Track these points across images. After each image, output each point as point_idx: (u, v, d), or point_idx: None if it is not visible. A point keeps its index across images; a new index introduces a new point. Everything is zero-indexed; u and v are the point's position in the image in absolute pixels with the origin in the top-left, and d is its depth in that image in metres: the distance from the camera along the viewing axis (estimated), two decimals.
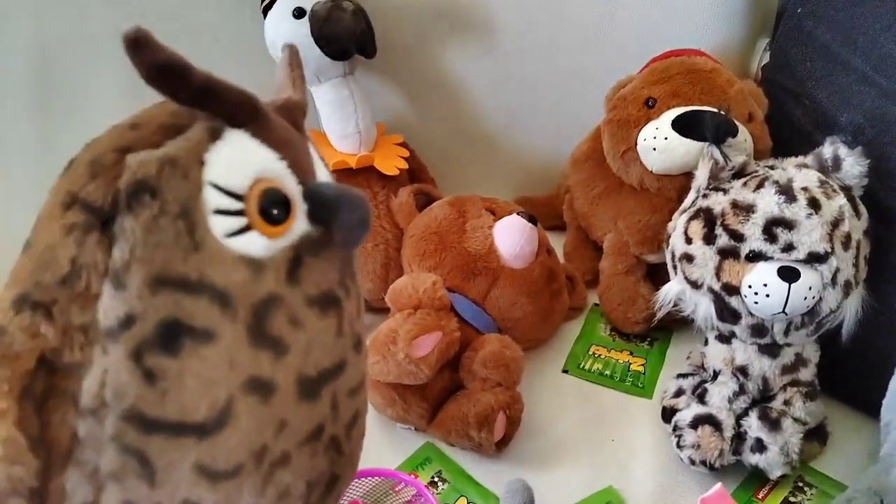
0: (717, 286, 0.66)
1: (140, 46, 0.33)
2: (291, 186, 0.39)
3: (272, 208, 0.37)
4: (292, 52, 0.48)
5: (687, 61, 0.80)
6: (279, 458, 0.40)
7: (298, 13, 0.82)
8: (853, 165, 0.66)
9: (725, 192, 0.67)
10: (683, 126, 0.74)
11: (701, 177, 0.69)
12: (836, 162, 0.66)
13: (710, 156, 0.68)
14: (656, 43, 0.88)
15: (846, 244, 0.63)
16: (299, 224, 0.39)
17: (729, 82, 0.78)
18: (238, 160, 0.37)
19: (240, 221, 0.36)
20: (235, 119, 0.38)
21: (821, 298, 0.63)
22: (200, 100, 0.36)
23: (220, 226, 0.36)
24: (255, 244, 0.37)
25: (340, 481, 0.46)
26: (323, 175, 0.43)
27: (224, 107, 0.37)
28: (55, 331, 0.35)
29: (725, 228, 0.65)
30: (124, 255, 0.35)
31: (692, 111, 0.74)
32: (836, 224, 0.63)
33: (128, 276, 0.35)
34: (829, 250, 0.62)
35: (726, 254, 0.65)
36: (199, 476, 0.37)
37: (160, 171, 0.35)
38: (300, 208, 0.39)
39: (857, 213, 0.65)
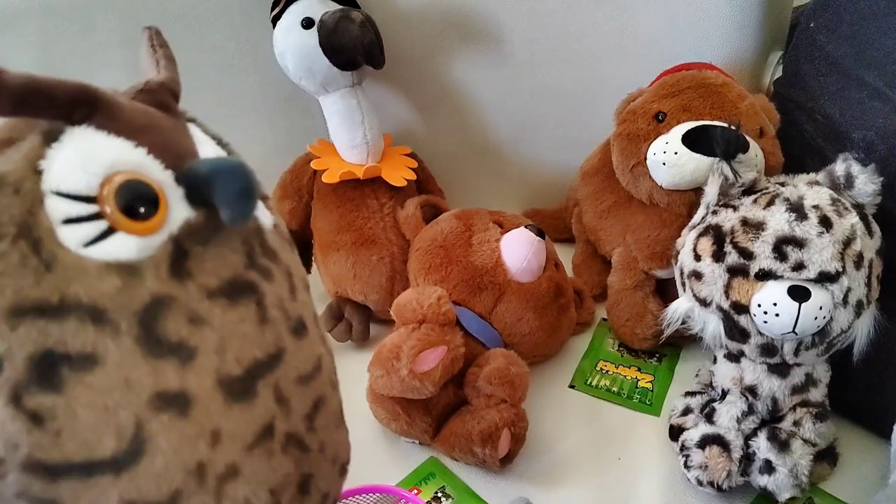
0: (725, 304, 0.65)
1: None
2: (156, 173, 0.35)
3: (134, 203, 0.33)
4: (151, 33, 0.44)
5: (698, 75, 0.79)
6: (225, 471, 0.36)
7: (307, 23, 0.81)
8: (866, 183, 0.65)
9: (735, 208, 0.66)
10: (694, 141, 0.73)
11: (711, 193, 0.68)
12: (849, 179, 0.65)
13: (720, 172, 0.67)
14: (667, 56, 0.87)
15: (858, 263, 0.62)
16: (177, 212, 0.35)
17: (740, 97, 0.78)
18: (80, 158, 0.33)
19: (97, 226, 0.33)
20: (73, 116, 0.34)
21: (831, 318, 0.62)
22: (23, 106, 0.32)
23: (73, 236, 0.32)
24: (124, 247, 0.33)
25: (315, 479, 0.42)
26: (210, 153, 0.39)
27: (54, 106, 0.33)
28: None
29: (735, 246, 0.64)
30: None
31: (703, 126, 0.73)
32: (847, 243, 0.62)
33: None
34: (841, 270, 0.61)
35: (735, 272, 0.64)
36: None
37: None
38: (174, 194, 0.35)
39: (870, 232, 0.64)
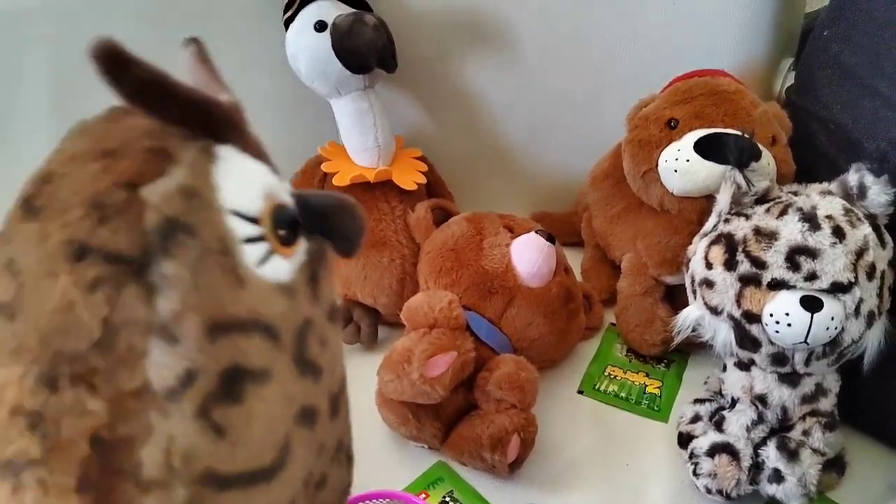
0: (737, 313, 0.65)
1: (116, 62, 0.29)
2: (287, 199, 0.36)
3: (284, 227, 0.35)
4: (199, 46, 0.42)
5: (711, 82, 0.79)
6: (319, 480, 0.39)
7: (320, 26, 0.82)
8: (879, 194, 0.65)
9: (748, 217, 0.66)
10: (706, 148, 0.73)
11: (723, 201, 0.68)
12: (862, 190, 0.65)
13: (732, 180, 0.68)
14: (679, 62, 0.87)
15: (870, 274, 0.62)
16: (303, 239, 0.37)
17: (753, 104, 0.78)
18: (245, 180, 0.34)
19: (264, 247, 0.34)
20: (221, 134, 0.34)
21: (843, 329, 0.62)
22: (190, 116, 0.33)
23: (251, 255, 0.33)
24: (282, 268, 0.35)
25: (350, 483, 0.46)
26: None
27: (212, 121, 0.34)
28: (105, 403, 0.30)
29: (747, 255, 0.64)
30: (174, 305, 0.31)
31: (715, 133, 0.73)
32: (860, 254, 0.62)
33: (181, 328, 0.31)
34: (853, 280, 0.61)
35: (747, 281, 0.64)
36: None
37: (187, 205, 0.32)
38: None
39: (882, 243, 0.64)
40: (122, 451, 0.30)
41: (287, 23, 0.85)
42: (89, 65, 0.91)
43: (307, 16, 0.83)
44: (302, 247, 0.37)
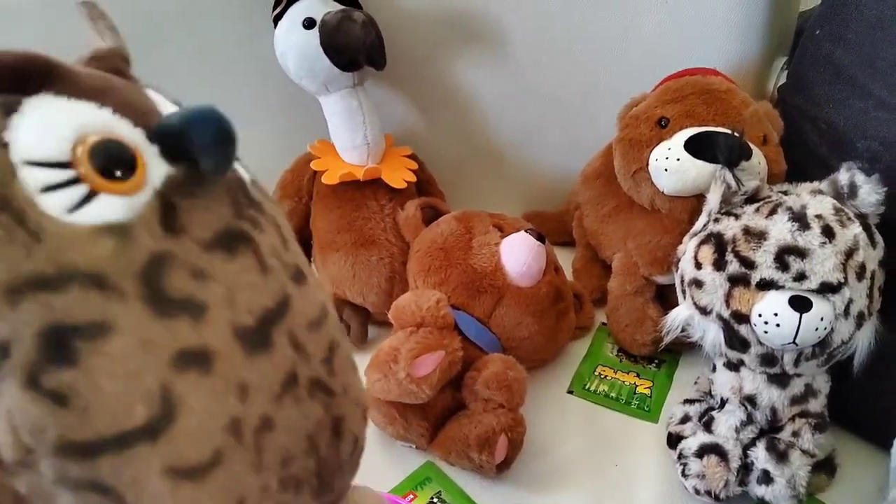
0: (726, 313, 0.64)
1: None
2: (126, 132, 0.33)
3: (110, 163, 0.32)
4: (88, 6, 0.42)
5: (701, 81, 0.79)
6: (260, 424, 0.35)
7: (308, 23, 0.81)
8: (869, 193, 0.64)
9: (737, 217, 0.65)
10: (696, 147, 0.73)
11: (712, 200, 0.68)
12: (852, 189, 0.65)
13: (722, 179, 0.67)
14: (671, 61, 0.86)
15: (860, 274, 0.62)
16: (156, 169, 0.34)
17: (744, 103, 0.77)
18: (47, 124, 0.32)
19: (78, 191, 0.31)
20: (28, 85, 0.32)
21: (833, 329, 0.61)
22: None
23: (55, 203, 0.31)
24: (110, 208, 0.32)
25: (347, 421, 0.41)
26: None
27: (6, 77, 0.31)
28: None
29: (736, 255, 0.63)
30: None
31: (705, 132, 0.73)
32: (850, 254, 0.61)
33: None
34: (843, 280, 0.61)
35: (736, 281, 0.63)
36: (174, 480, 0.32)
37: None
38: (149, 151, 0.34)
39: (873, 243, 0.64)
40: None
41: (276, 20, 0.84)
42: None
43: (295, 13, 0.82)
44: (154, 177, 0.33)
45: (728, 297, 0.64)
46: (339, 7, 0.82)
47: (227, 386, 0.34)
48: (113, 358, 0.30)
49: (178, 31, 0.88)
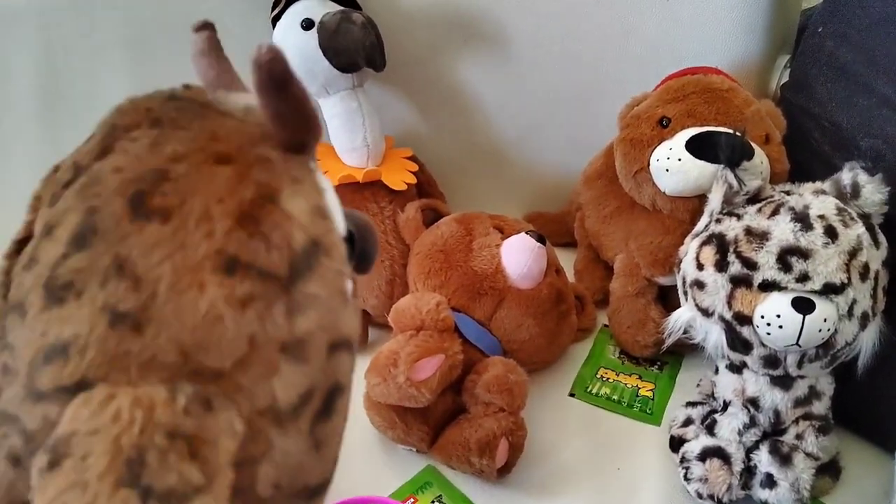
0: (728, 315, 0.64)
1: (283, 84, 0.31)
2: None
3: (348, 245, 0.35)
4: (211, 32, 0.41)
5: (703, 80, 0.78)
6: None
7: (307, 24, 0.81)
8: (873, 193, 0.63)
9: (739, 217, 0.65)
10: (697, 147, 0.72)
11: (714, 201, 0.67)
12: (855, 189, 0.64)
13: (723, 179, 0.66)
14: (673, 59, 0.86)
15: (864, 275, 0.61)
16: None
17: (746, 102, 0.76)
18: (334, 203, 0.34)
19: (350, 268, 0.35)
20: (304, 146, 0.34)
21: (836, 331, 0.61)
22: (296, 116, 0.33)
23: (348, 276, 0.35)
24: (350, 287, 0.35)
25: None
26: None
27: (302, 128, 0.33)
28: (243, 422, 0.29)
29: (738, 256, 0.62)
30: (310, 324, 0.31)
31: (707, 132, 0.72)
32: (853, 254, 0.61)
33: (310, 346, 0.31)
34: (846, 281, 0.60)
35: (738, 282, 0.62)
36: None
37: (323, 226, 0.32)
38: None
39: (876, 243, 0.63)
40: (244, 471, 0.29)
41: (274, 21, 0.84)
42: (75, 63, 0.90)
43: (294, 14, 0.82)
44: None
45: (730, 299, 0.63)
46: (338, 8, 0.82)
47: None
48: (342, 415, 0.35)
49: (175, 32, 0.87)
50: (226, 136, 0.32)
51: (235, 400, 0.29)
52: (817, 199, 0.63)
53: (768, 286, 0.61)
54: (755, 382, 0.66)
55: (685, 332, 0.69)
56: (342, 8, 0.82)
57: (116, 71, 0.84)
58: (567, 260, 0.92)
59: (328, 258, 0.31)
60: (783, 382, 0.66)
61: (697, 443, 0.67)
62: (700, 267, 0.65)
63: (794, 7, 0.95)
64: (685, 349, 0.81)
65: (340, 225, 0.34)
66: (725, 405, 0.69)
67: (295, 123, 0.32)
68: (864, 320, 0.62)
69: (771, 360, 0.64)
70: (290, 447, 0.31)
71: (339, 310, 0.32)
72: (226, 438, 0.28)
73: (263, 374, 0.30)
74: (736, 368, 0.68)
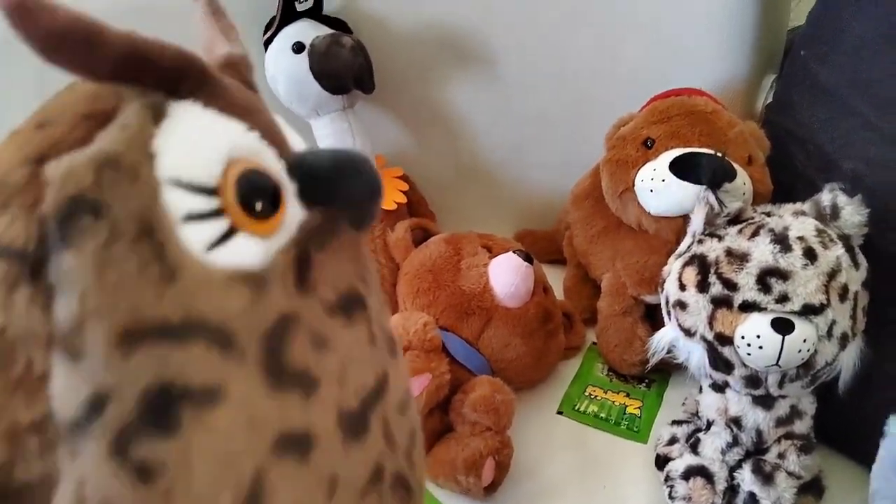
0: (709, 335, 0.64)
1: (28, 12, 0.23)
2: (271, 162, 0.29)
3: (254, 197, 0.27)
4: (207, 1, 0.36)
5: (687, 102, 0.79)
6: None
7: (298, 48, 0.82)
8: (852, 214, 0.64)
9: (720, 238, 0.65)
10: (680, 168, 0.73)
11: (696, 222, 0.68)
12: (835, 210, 0.65)
13: (705, 200, 0.67)
14: (659, 80, 0.87)
15: (843, 296, 0.62)
16: (293, 210, 0.29)
17: (729, 124, 0.77)
18: (199, 140, 0.27)
19: (219, 226, 0.26)
20: (178, 88, 0.28)
21: (816, 351, 0.61)
22: (127, 70, 0.26)
23: (196, 237, 0.26)
24: (248, 251, 0.27)
25: None
26: (297, 144, 0.32)
27: (160, 74, 0.27)
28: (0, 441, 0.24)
29: (719, 276, 0.63)
30: (73, 309, 0.24)
31: (689, 153, 0.73)
32: (832, 275, 0.61)
33: (84, 339, 0.24)
34: (825, 302, 0.61)
35: (719, 303, 0.63)
36: None
37: (98, 177, 0.24)
38: (288, 189, 0.29)
39: (856, 264, 0.64)
40: (26, 502, 0.24)
41: (266, 44, 0.85)
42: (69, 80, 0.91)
43: (285, 37, 0.83)
44: (291, 220, 0.28)
45: (711, 319, 0.64)
46: (329, 31, 0.83)
47: (319, 479, 0.28)
48: (215, 434, 0.25)
49: None
50: (65, 99, 0.28)
51: None
52: (797, 221, 0.64)
53: (748, 307, 0.62)
54: (737, 402, 0.67)
55: (669, 351, 0.70)
56: (332, 31, 0.83)
57: None
58: (556, 277, 0.93)
59: (95, 218, 0.24)
60: (765, 402, 0.66)
61: (681, 461, 0.68)
62: (682, 287, 0.66)
63: (780, 27, 0.96)
64: (672, 367, 0.82)
65: (197, 167, 0.26)
66: (709, 424, 0.70)
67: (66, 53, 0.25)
68: (844, 341, 0.63)
69: (752, 380, 0.65)
70: (86, 474, 0.23)
71: (136, 285, 0.24)
72: None
73: (24, 378, 0.24)
74: (719, 388, 0.69)
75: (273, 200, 0.28)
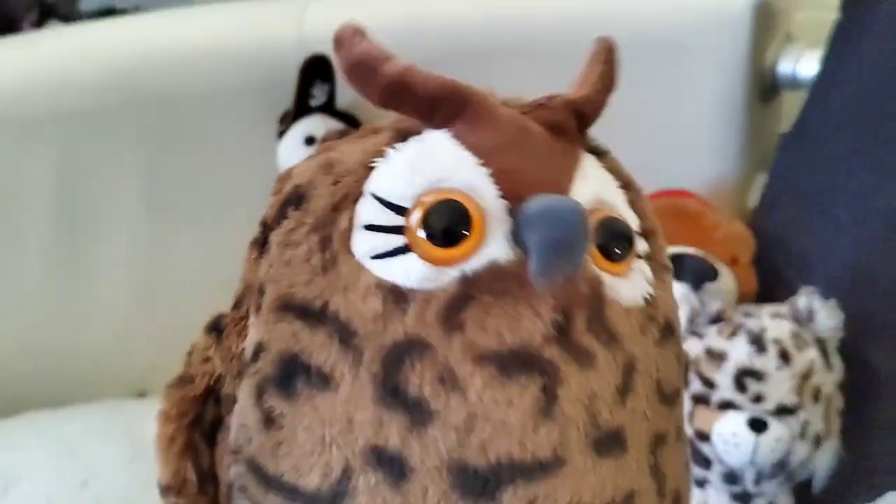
0: (690, 432, 0.67)
1: (340, 43, 0.29)
2: (487, 199, 0.29)
3: (440, 226, 0.28)
4: (607, 44, 0.36)
5: (675, 203, 0.84)
6: None
7: (309, 141, 0.87)
8: (826, 318, 0.67)
9: (701, 337, 0.68)
10: None
11: (679, 320, 0.71)
12: (810, 313, 0.68)
13: (687, 300, 0.70)
14: (650, 179, 0.89)
15: (816, 397, 0.64)
16: (492, 248, 0.28)
17: (714, 226, 0.81)
18: (411, 164, 0.29)
19: (392, 241, 0.28)
20: (433, 117, 0.30)
21: (790, 451, 0.63)
22: (390, 99, 0.30)
23: (367, 243, 0.29)
24: (408, 269, 0.28)
25: None
26: (588, 192, 0.31)
27: (416, 104, 0.30)
28: (220, 357, 0.33)
29: (699, 374, 0.66)
30: (265, 272, 0.30)
31: (674, 254, 0.77)
32: (805, 377, 0.64)
33: (264, 298, 0.30)
34: (798, 403, 0.63)
35: (699, 400, 0.66)
36: None
37: (313, 176, 0.30)
38: (498, 228, 0.29)
39: (830, 366, 0.66)
40: (229, 409, 0.32)
41: (281, 134, 0.91)
42: (94, 172, 0.96)
43: (298, 130, 0.88)
44: (482, 257, 0.28)
45: (692, 416, 0.66)
46: (340, 126, 0.89)
47: None
48: (318, 414, 0.28)
49: (190, 138, 0.94)
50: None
51: (221, 332, 0.34)
52: (774, 323, 0.67)
53: (725, 405, 0.64)
54: (717, 498, 0.69)
55: None
56: (343, 126, 0.89)
57: (129, 175, 0.90)
58: None
59: (296, 208, 0.30)
60: (744, 499, 0.68)
61: None
62: None
63: (772, 130, 1.00)
64: None
65: (395, 187, 0.29)
66: None
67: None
68: (818, 441, 0.65)
69: (730, 477, 0.66)
70: (242, 405, 0.31)
71: (300, 268, 0.30)
72: (198, 355, 0.34)
73: (244, 318, 0.32)
74: (699, 483, 0.70)
75: (455, 233, 0.28)
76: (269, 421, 0.29)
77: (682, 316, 0.71)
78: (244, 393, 0.30)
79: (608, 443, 0.28)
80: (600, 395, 0.28)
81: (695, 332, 0.69)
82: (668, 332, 0.33)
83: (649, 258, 0.34)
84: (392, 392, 0.27)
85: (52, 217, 0.90)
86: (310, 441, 0.28)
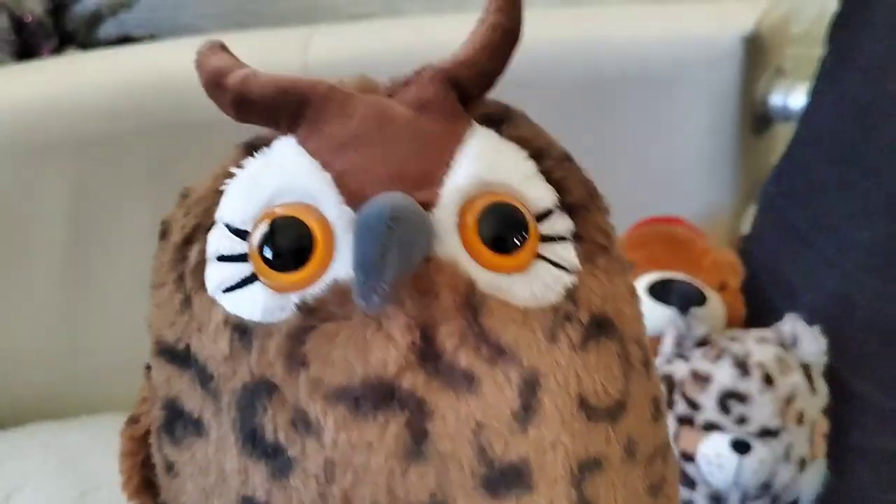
0: (675, 453, 0.68)
1: (197, 62, 0.29)
2: (329, 209, 0.25)
3: (273, 248, 0.25)
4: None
5: (665, 230, 0.86)
6: None
7: None
8: (810, 343, 0.69)
9: (687, 359, 0.70)
10: (657, 292, 0.78)
11: (666, 344, 0.73)
12: (794, 339, 0.69)
13: (674, 324, 0.72)
14: (642, 207, 0.93)
15: (800, 420, 0.65)
16: (338, 266, 0.25)
17: (704, 252, 0.83)
18: (250, 183, 0.27)
19: (242, 269, 0.26)
20: (279, 124, 0.28)
21: (774, 473, 0.65)
22: (238, 110, 0.28)
23: (216, 276, 0.26)
24: (253, 301, 0.25)
25: None
26: (465, 174, 0.27)
27: (259, 112, 0.27)
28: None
29: (684, 396, 0.68)
30: (148, 314, 0.29)
31: (663, 279, 0.79)
32: (789, 400, 0.65)
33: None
34: (781, 426, 0.64)
35: (683, 421, 0.67)
36: None
37: (174, 209, 0.29)
38: (343, 239, 0.25)
39: (815, 391, 0.68)
40: None
41: None
42: (106, 196, 0.99)
43: None
44: (326, 278, 0.25)
45: (677, 438, 0.68)
46: None
47: None
48: (196, 464, 0.26)
49: (195, 165, 0.97)
50: None
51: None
52: (758, 347, 0.69)
53: (710, 426, 0.66)
54: None
55: None
56: None
57: (140, 200, 0.93)
58: None
59: (162, 241, 0.29)
60: None
61: None
62: None
63: (765, 160, 1.02)
64: None
65: (239, 211, 0.27)
66: None
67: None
68: (802, 464, 0.66)
69: (715, 498, 0.68)
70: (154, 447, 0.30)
71: (165, 310, 0.28)
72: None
73: None
74: None
75: (297, 255, 0.25)
76: (168, 467, 0.27)
77: (668, 339, 0.73)
78: (156, 439, 0.29)
79: (505, 481, 0.24)
80: (488, 424, 0.24)
81: (681, 355, 0.71)
82: (600, 328, 0.27)
83: (578, 238, 0.29)
84: (250, 439, 0.24)
85: (63, 240, 0.92)
86: (195, 491, 0.26)
